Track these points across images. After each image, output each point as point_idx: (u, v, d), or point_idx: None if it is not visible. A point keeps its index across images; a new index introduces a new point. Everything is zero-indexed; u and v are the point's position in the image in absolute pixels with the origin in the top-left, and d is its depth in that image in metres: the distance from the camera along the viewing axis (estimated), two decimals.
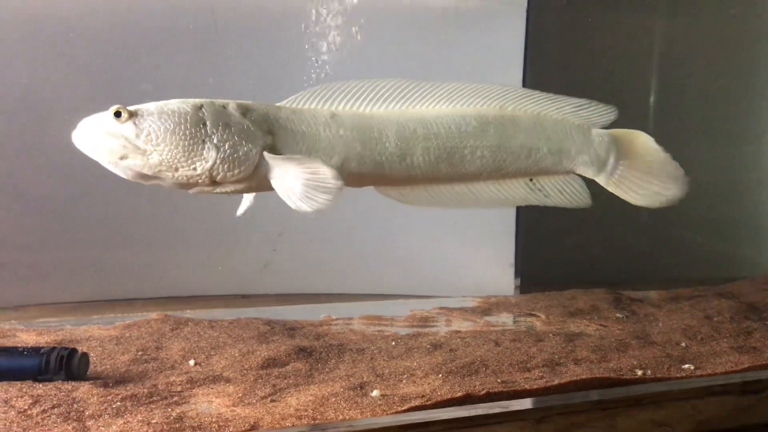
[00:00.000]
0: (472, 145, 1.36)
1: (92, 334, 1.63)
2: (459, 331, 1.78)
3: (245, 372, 1.42)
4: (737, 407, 1.37)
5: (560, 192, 1.47)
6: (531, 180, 1.45)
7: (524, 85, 2.12)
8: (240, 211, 1.39)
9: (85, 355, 1.35)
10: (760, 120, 2.77)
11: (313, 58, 2.00)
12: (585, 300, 2.09)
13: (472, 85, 1.41)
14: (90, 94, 1.85)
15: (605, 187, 1.49)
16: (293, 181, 1.19)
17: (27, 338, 1.57)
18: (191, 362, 1.47)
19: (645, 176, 1.47)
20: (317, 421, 1.18)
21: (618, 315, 1.97)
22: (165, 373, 1.39)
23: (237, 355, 1.50)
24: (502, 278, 2.23)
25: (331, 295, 2.16)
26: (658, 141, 1.51)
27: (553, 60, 2.39)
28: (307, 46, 2.01)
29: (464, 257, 2.23)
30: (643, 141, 1.49)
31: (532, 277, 2.26)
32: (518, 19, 2.12)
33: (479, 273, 2.23)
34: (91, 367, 1.37)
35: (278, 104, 1.30)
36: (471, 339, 1.69)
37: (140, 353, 1.51)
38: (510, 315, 2.01)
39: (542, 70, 2.20)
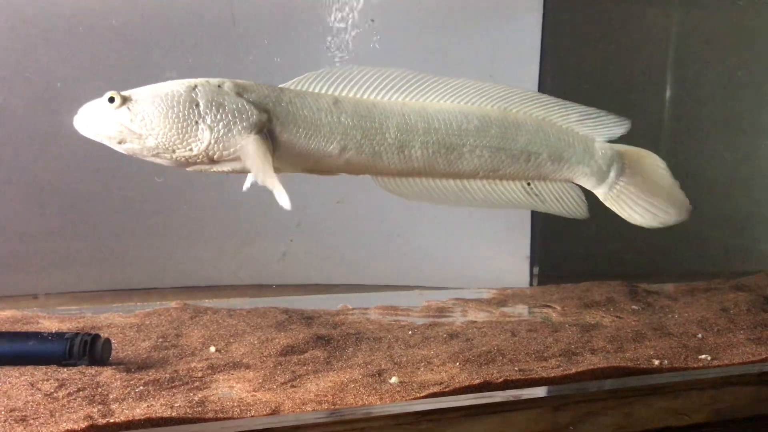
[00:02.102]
0: (471, 144, 1.35)
1: (113, 321, 1.65)
2: (475, 322, 1.79)
3: (264, 359, 1.43)
4: (755, 397, 1.37)
5: (557, 200, 1.45)
6: (528, 184, 1.44)
7: (540, 78, 2.12)
8: (246, 185, 1.34)
9: (107, 341, 1.37)
10: None
11: (329, 50, 2.01)
12: (600, 292, 2.09)
13: (478, 84, 1.40)
14: (112, 84, 1.86)
15: (602, 200, 1.45)
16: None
17: (49, 325, 1.60)
18: (212, 349, 1.48)
19: (646, 196, 1.44)
20: (337, 407, 1.19)
21: (634, 307, 1.97)
22: (186, 360, 1.41)
23: (256, 342, 1.52)
24: (517, 270, 2.24)
25: (348, 286, 2.17)
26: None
27: (569, 54, 2.39)
28: (323, 38, 2.02)
29: (480, 249, 2.24)
30: (651, 162, 1.46)
31: (547, 269, 2.27)
32: (535, 12, 2.13)
33: (495, 265, 2.24)
34: (114, 353, 1.39)
35: (281, 86, 1.30)
36: (487, 329, 1.69)
37: (161, 340, 1.53)
38: (525, 306, 2.01)
39: (558, 65, 2.21)
